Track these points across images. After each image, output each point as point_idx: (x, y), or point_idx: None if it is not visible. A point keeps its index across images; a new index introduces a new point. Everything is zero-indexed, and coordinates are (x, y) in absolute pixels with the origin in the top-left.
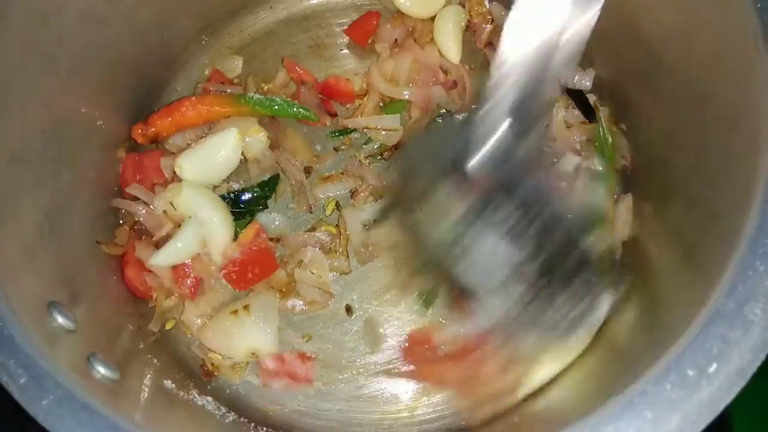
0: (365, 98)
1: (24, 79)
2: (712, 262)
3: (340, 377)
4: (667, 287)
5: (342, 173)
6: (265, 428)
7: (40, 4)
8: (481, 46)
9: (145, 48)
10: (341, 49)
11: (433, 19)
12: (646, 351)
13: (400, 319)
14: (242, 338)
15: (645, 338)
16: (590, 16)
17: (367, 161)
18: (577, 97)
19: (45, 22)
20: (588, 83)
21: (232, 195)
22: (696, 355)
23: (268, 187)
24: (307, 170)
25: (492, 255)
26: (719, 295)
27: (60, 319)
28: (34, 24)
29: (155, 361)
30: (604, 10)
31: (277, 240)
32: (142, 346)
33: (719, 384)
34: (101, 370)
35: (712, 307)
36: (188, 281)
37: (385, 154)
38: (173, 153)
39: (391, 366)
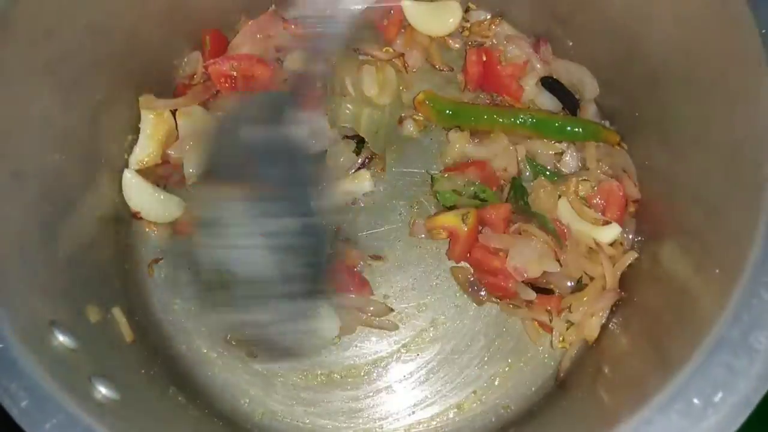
0: None
1: (26, 94)
2: (716, 290)
3: (337, 392)
4: (670, 314)
5: None
6: None
7: (45, 18)
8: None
9: (147, 61)
10: None
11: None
12: (649, 378)
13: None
14: None
15: (647, 366)
16: None
17: None
18: (558, 87)
19: (49, 36)
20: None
21: None
22: (701, 383)
23: None
24: None
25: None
26: (724, 324)
27: (61, 338)
28: (38, 38)
29: (157, 379)
30: (607, 31)
31: None
32: (144, 362)
33: (725, 413)
34: (102, 390)
35: (717, 336)
36: None
37: None
38: None
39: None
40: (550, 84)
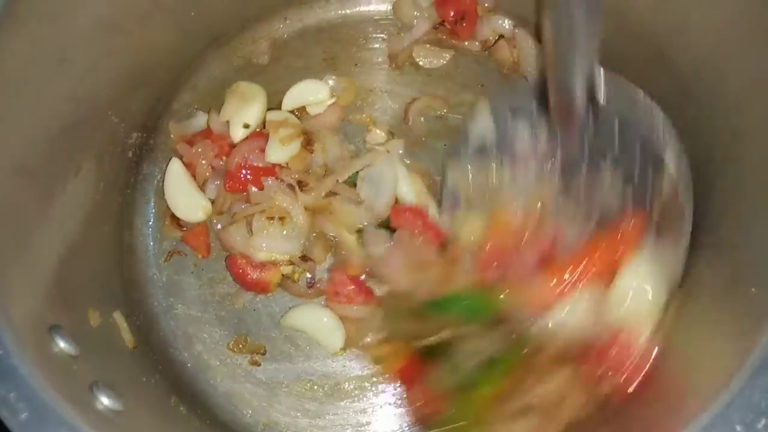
0: None
1: (33, 83)
2: (753, 308)
3: (343, 404)
4: (704, 333)
5: None
6: None
7: (55, 4)
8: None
9: (156, 55)
10: (355, 64)
11: None
12: (684, 401)
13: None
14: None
15: (682, 386)
16: None
17: None
18: None
19: (58, 23)
20: None
21: None
22: (743, 409)
23: None
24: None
25: None
26: (766, 343)
27: (62, 344)
28: (47, 24)
29: (159, 387)
30: (633, 36)
31: None
32: (146, 370)
33: None
34: (104, 400)
35: (760, 356)
36: None
37: None
38: None
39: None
40: None
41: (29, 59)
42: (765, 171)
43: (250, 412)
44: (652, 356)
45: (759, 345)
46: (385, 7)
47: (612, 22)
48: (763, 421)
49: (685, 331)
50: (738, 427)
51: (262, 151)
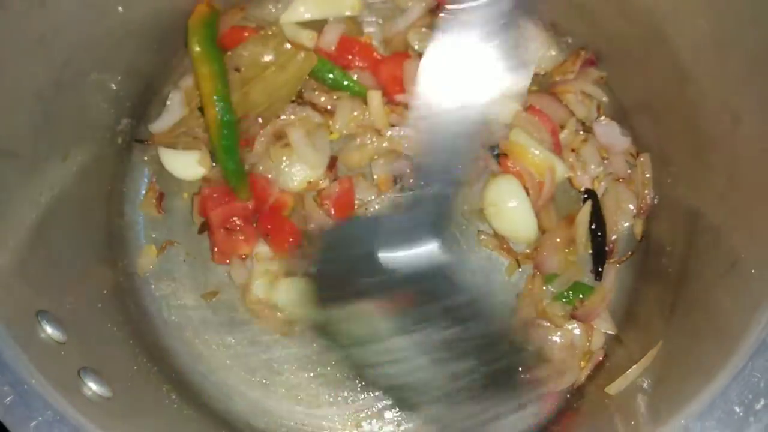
0: None
1: (18, 68)
2: (752, 290)
3: (340, 394)
4: (704, 314)
5: None
6: None
7: None
8: None
9: (144, 39)
10: None
11: None
12: (684, 383)
13: None
14: None
15: (682, 368)
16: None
17: None
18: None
19: (43, 5)
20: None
21: None
22: (742, 389)
23: None
24: None
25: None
26: (765, 324)
27: (49, 329)
28: (32, 7)
29: (149, 375)
30: (631, 17)
31: None
32: (136, 357)
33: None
34: (93, 386)
35: (759, 337)
36: None
37: None
38: None
39: None
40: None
41: (14, 44)
42: (764, 153)
43: (243, 401)
44: None
45: (758, 326)
46: None
47: (611, 3)
48: (762, 402)
49: (686, 313)
50: (737, 408)
51: None
